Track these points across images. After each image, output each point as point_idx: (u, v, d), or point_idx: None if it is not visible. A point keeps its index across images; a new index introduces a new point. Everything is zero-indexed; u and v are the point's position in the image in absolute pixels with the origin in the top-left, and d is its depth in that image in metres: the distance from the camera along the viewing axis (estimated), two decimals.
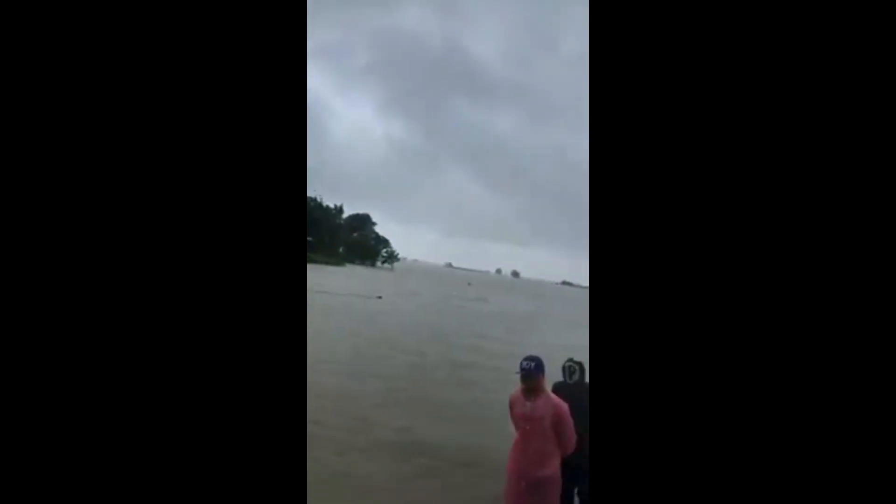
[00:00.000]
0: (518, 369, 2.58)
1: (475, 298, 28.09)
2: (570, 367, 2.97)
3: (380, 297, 18.90)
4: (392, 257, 61.38)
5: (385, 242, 60.87)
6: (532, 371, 2.54)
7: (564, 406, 2.58)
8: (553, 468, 2.53)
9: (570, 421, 2.57)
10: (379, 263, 56.65)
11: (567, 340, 12.14)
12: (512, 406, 2.68)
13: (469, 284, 47.38)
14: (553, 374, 2.88)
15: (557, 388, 2.91)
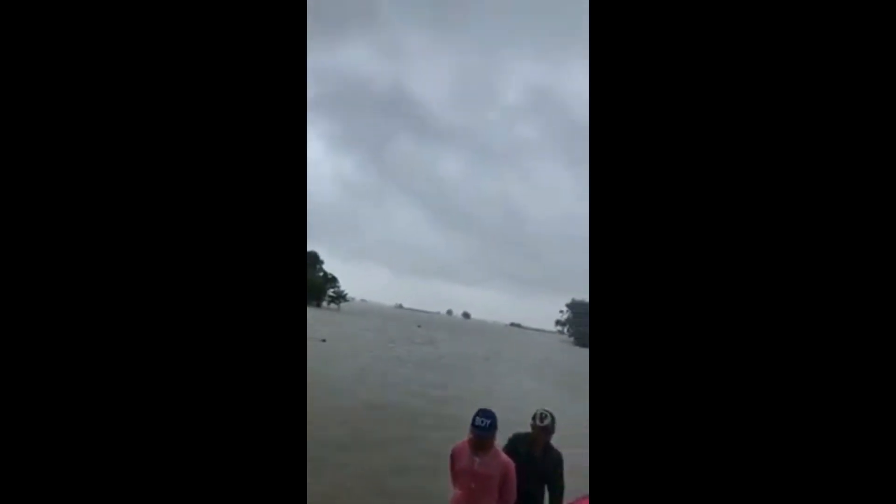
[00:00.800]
0: (472, 425, 2.41)
1: (424, 342, 27.32)
2: (543, 415, 2.86)
3: (324, 341, 17.84)
4: (340, 297, 59.44)
5: (333, 281, 59.07)
6: (487, 429, 2.39)
7: (512, 465, 2.48)
8: None
9: (514, 480, 2.46)
10: (325, 304, 54.52)
11: (522, 385, 11.72)
12: (455, 458, 2.51)
13: (419, 327, 46.46)
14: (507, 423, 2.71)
15: (515, 440, 2.85)
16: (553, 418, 2.83)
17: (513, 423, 3.18)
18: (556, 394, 13.56)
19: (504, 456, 2.50)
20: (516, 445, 2.80)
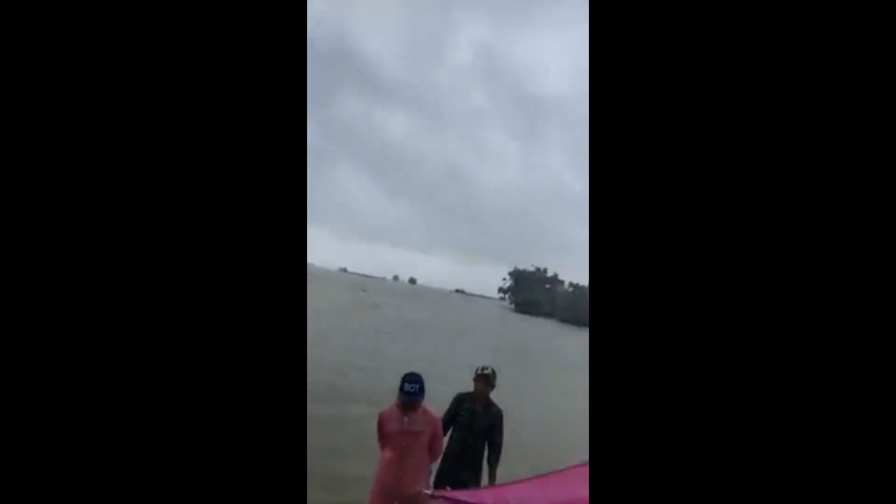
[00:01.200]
0: (400, 390, 2.51)
1: (370, 306, 27.72)
2: (484, 367, 3.05)
3: None
4: None
5: None
6: (416, 394, 2.50)
7: (439, 420, 2.67)
8: (425, 482, 2.54)
9: (441, 435, 2.66)
10: None
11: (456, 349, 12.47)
12: (384, 422, 2.60)
13: (364, 291, 46.57)
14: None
15: (460, 397, 3.00)
16: (494, 373, 2.98)
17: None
18: (490, 357, 14.63)
19: (432, 412, 2.64)
20: (461, 401, 2.97)
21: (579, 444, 2.00)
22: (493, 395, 3.01)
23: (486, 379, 2.95)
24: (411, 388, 2.50)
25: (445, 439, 2.85)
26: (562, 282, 76.41)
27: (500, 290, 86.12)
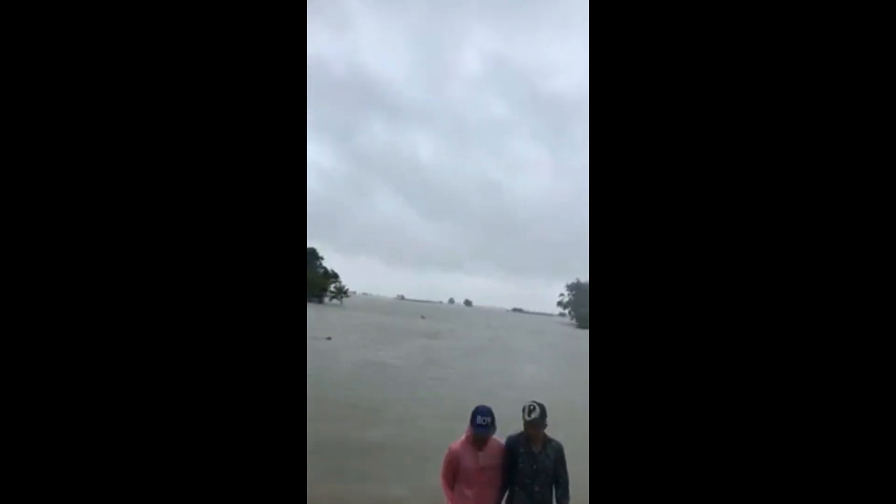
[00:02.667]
0: (472, 423, 2.45)
1: (429, 335, 27.46)
2: (531, 407, 2.68)
3: (329, 339, 17.90)
4: (341, 292, 59.46)
5: (334, 277, 59.04)
6: (488, 426, 2.45)
7: (503, 445, 2.56)
8: None
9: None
10: (326, 300, 54.59)
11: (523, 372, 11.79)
12: (457, 459, 2.48)
13: (423, 318, 46.63)
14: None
15: (511, 443, 2.67)
16: (542, 409, 2.65)
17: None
18: (558, 378, 13.70)
19: (498, 441, 2.57)
20: (514, 447, 2.66)
21: None
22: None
23: (535, 424, 2.61)
24: (483, 421, 2.45)
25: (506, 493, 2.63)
26: None
27: (560, 304, 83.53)
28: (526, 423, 2.61)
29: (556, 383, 12.89)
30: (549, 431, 2.66)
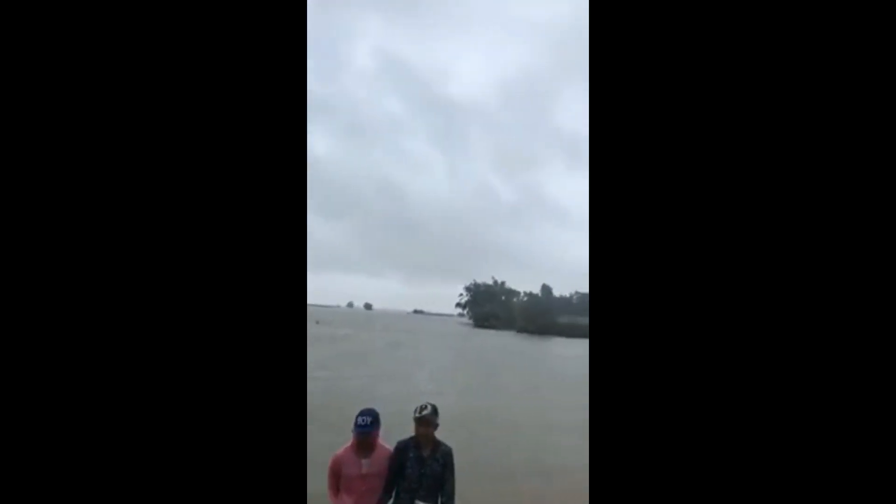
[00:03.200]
0: (354, 426, 2.40)
1: (323, 340, 26.22)
2: (423, 406, 2.58)
3: None
4: None
5: None
6: (370, 426, 2.41)
7: (390, 451, 2.49)
8: None
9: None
10: None
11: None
12: (339, 466, 2.42)
13: (317, 323, 44.59)
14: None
15: (401, 448, 2.55)
16: (434, 408, 2.55)
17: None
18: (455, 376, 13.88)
19: (385, 446, 2.51)
20: (404, 450, 2.53)
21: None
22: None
23: (426, 421, 2.50)
24: (363, 422, 2.41)
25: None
26: (517, 292, 77.22)
27: (458, 304, 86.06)
28: (416, 421, 2.50)
29: (447, 389, 12.99)
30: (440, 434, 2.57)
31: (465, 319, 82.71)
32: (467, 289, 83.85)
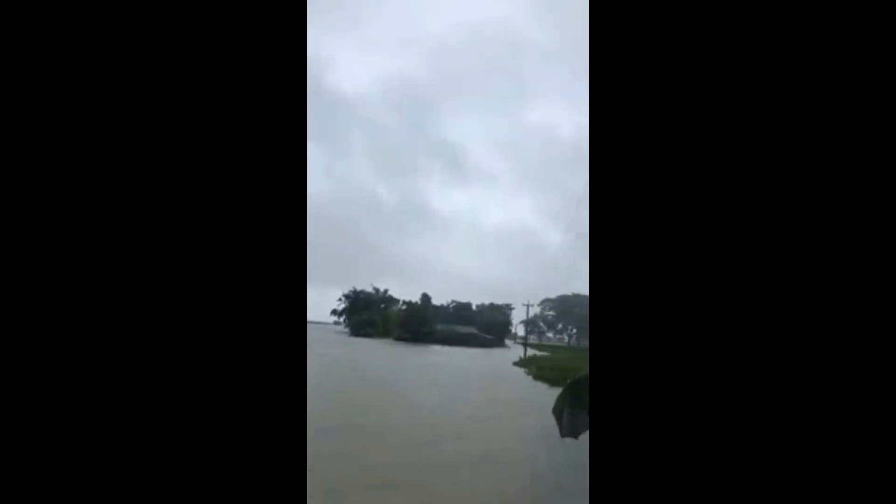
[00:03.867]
0: None
1: None
2: None
3: None
4: None
5: None
6: None
7: None
8: None
9: None
10: None
11: None
12: None
13: None
14: None
15: None
16: None
17: None
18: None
19: None
20: None
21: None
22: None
23: None
24: None
25: None
26: (396, 300, 77.59)
27: (335, 312, 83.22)
28: None
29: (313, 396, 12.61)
30: None
31: (342, 327, 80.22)
32: (346, 296, 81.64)
